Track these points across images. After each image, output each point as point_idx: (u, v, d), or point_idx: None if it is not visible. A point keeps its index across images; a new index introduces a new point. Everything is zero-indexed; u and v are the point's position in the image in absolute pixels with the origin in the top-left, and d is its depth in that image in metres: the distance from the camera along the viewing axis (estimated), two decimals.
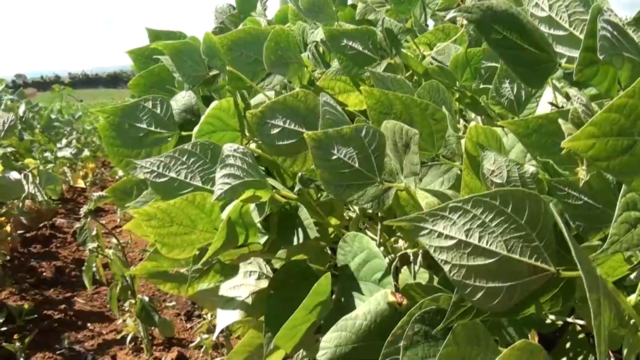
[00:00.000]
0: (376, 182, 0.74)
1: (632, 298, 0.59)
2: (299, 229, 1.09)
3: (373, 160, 0.74)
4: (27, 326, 2.06)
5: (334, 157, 0.74)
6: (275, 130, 0.92)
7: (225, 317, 1.21)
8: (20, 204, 2.88)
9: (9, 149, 2.93)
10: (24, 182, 2.70)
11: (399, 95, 0.83)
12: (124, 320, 1.86)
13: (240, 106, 1.22)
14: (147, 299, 1.65)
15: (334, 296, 0.94)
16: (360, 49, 1.13)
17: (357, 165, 0.74)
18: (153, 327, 1.70)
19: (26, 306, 2.16)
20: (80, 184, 5.12)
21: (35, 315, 2.17)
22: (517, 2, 0.79)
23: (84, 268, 1.77)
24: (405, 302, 0.78)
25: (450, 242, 0.51)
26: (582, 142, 0.47)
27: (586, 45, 0.63)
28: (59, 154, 4.89)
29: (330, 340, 0.81)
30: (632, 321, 0.58)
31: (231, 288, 1.24)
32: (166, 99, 1.30)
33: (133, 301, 1.66)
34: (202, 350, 1.71)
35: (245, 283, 1.24)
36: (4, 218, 2.37)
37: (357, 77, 1.18)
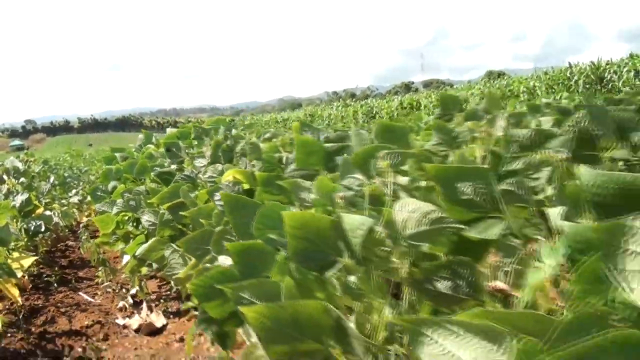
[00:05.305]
0: None
1: None
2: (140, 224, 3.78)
3: None
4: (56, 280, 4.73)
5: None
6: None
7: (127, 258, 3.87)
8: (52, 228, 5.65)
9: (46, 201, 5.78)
10: (54, 217, 5.44)
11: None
12: (99, 274, 4.52)
13: (136, 185, 3.90)
14: (106, 259, 4.30)
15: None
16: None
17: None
18: (110, 275, 4.35)
19: (56, 270, 4.87)
20: (84, 220, 7.84)
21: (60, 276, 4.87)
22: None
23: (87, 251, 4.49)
24: None
25: None
26: None
27: None
28: (70, 200, 7.64)
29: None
30: None
31: None
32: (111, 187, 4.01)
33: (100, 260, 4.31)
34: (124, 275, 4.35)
35: None
36: (48, 233, 5.14)
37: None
